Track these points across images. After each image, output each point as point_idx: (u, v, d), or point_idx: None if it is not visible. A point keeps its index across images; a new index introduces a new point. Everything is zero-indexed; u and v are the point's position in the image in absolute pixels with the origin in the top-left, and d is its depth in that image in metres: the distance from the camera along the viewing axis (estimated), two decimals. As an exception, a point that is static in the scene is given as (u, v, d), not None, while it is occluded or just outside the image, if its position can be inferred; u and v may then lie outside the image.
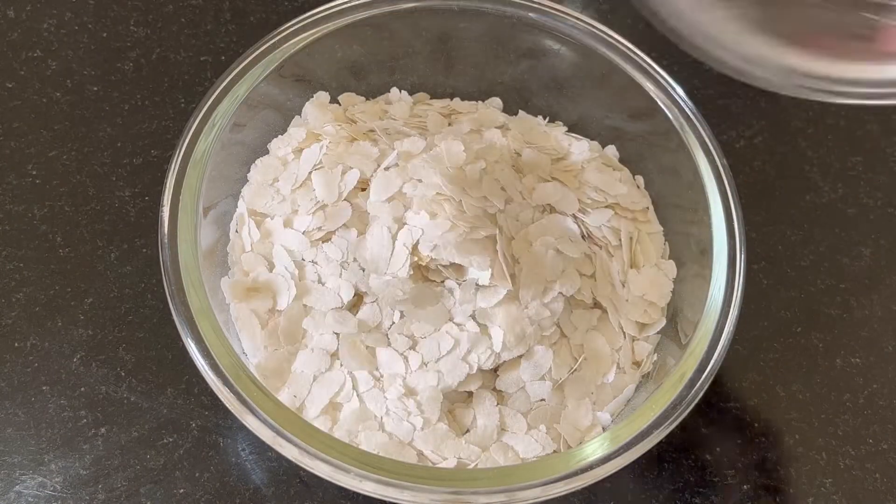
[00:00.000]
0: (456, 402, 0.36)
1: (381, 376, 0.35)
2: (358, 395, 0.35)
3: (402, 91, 0.42)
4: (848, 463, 0.41)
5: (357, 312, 0.36)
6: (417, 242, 0.35)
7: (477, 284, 0.35)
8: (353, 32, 0.38)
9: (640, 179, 0.40)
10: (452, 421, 0.36)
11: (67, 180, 0.43)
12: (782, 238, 0.45)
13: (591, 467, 0.31)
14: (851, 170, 0.48)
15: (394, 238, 0.36)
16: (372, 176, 0.37)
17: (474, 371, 0.35)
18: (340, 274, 0.36)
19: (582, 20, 0.38)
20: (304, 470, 0.31)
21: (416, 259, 0.35)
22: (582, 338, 0.37)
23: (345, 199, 0.37)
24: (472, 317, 0.36)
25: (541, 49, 0.40)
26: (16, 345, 0.40)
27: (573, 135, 0.42)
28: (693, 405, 0.32)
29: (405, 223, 0.36)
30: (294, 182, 0.38)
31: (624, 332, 0.37)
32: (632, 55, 0.38)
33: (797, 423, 0.41)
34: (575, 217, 0.39)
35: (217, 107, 0.36)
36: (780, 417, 0.41)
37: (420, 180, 0.36)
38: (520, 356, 0.36)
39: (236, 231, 0.38)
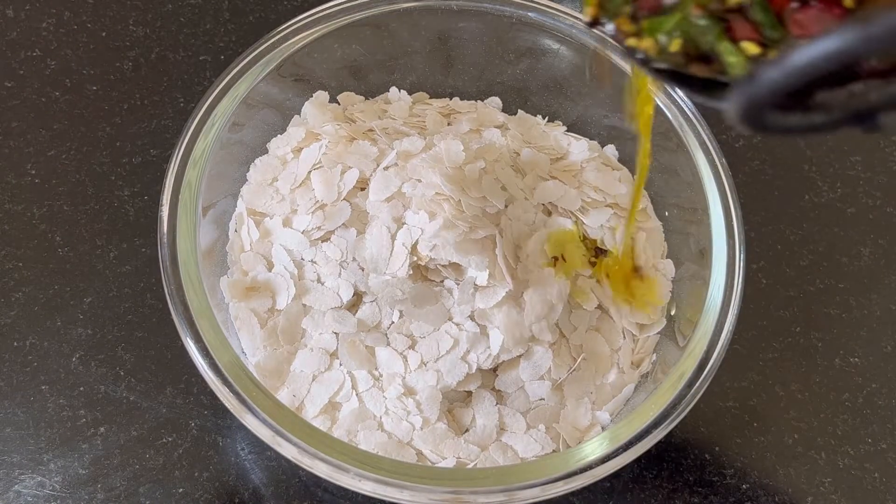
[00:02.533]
0: (455, 401, 0.36)
1: (381, 376, 0.35)
2: (357, 395, 0.35)
3: (402, 91, 0.42)
4: (847, 462, 0.41)
5: (356, 312, 0.36)
6: (417, 242, 0.35)
7: (475, 285, 0.35)
8: (352, 32, 0.38)
9: (639, 179, 0.40)
10: (452, 420, 0.36)
11: (66, 180, 0.43)
12: (781, 238, 0.45)
13: (590, 467, 0.31)
14: (850, 169, 0.48)
15: (393, 238, 0.36)
16: (371, 175, 0.37)
17: (473, 371, 0.35)
18: (340, 273, 0.36)
19: (582, 20, 0.38)
20: (304, 470, 0.31)
21: (415, 259, 0.35)
22: (581, 338, 0.37)
23: (344, 199, 0.37)
24: (471, 317, 0.36)
25: (540, 49, 0.40)
26: (15, 344, 0.40)
27: (572, 134, 0.42)
28: (692, 405, 0.32)
29: (404, 223, 0.36)
30: (293, 181, 0.38)
31: (623, 332, 0.37)
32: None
33: (796, 423, 0.41)
34: (575, 217, 0.39)
35: (216, 106, 0.36)
36: (780, 417, 0.41)
37: (419, 180, 0.36)
38: (519, 356, 0.36)
39: (235, 230, 0.38)
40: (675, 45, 0.22)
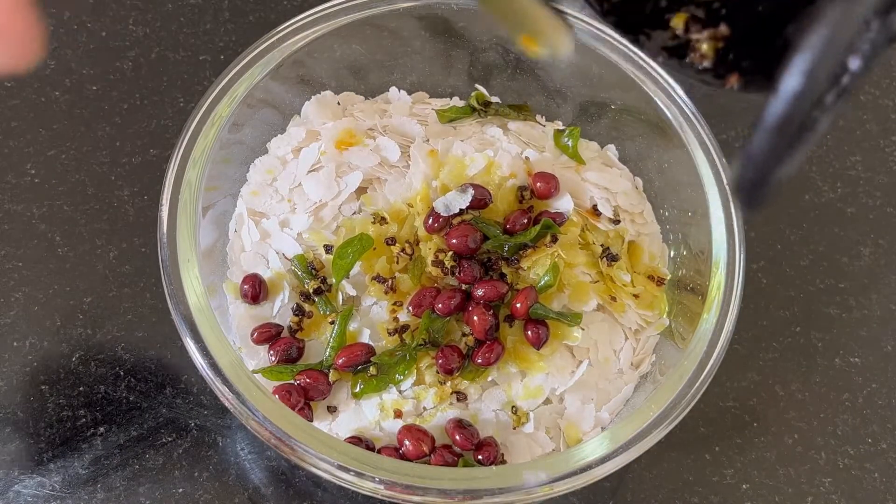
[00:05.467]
0: (455, 401, 0.36)
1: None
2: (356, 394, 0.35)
3: (401, 91, 0.42)
4: (847, 462, 0.41)
5: (356, 312, 0.36)
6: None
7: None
8: (352, 31, 0.38)
9: (639, 181, 0.40)
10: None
11: (66, 179, 0.43)
12: (781, 237, 0.45)
13: (590, 467, 0.31)
14: (850, 169, 0.48)
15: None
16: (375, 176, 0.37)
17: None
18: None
19: (582, 20, 0.38)
20: (304, 470, 0.31)
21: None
22: (583, 338, 0.37)
23: (344, 199, 0.37)
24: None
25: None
26: (14, 344, 0.40)
27: (572, 134, 0.42)
28: (692, 405, 0.32)
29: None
30: (293, 181, 0.38)
31: (625, 333, 0.37)
32: (632, 55, 0.38)
33: (796, 423, 0.41)
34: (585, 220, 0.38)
35: (216, 106, 0.36)
36: (780, 417, 0.41)
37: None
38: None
39: (235, 231, 0.38)
40: None
